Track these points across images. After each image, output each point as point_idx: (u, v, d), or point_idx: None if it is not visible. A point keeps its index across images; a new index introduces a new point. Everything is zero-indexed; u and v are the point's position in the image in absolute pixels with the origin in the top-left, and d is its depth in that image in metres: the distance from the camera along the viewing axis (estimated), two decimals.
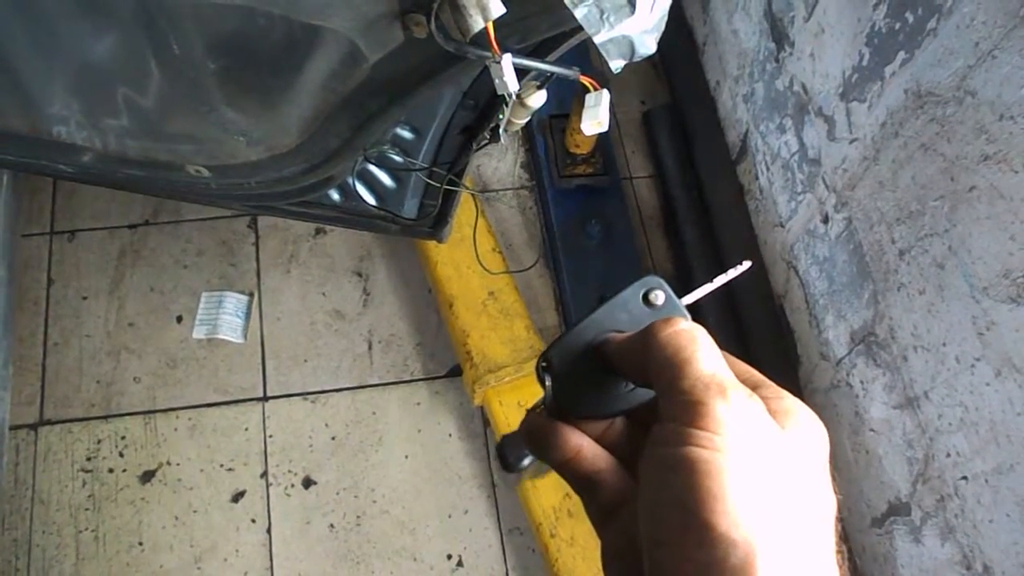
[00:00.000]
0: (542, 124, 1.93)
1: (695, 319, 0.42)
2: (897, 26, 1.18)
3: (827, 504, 0.37)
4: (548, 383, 0.44)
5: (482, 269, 1.67)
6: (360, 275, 1.90)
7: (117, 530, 1.62)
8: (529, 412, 0.45)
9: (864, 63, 1.27)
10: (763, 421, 0.36)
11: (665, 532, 0.34)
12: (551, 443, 0.43)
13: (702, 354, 0.37)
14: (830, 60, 1.37)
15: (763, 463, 0.34)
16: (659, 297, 0.44)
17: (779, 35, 1.55)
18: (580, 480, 0.43)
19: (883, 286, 1.30)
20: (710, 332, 0.39)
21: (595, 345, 0.43)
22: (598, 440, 0.43)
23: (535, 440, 0.45)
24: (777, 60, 1.56)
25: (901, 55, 1.18)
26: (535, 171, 1.98)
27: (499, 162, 2.04)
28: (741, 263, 0.46)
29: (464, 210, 1.70)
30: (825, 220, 1.45)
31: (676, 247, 1.93)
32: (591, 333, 0.44)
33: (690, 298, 0.45)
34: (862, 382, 1.39)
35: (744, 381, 0.39)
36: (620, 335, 0.43)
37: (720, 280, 0.45)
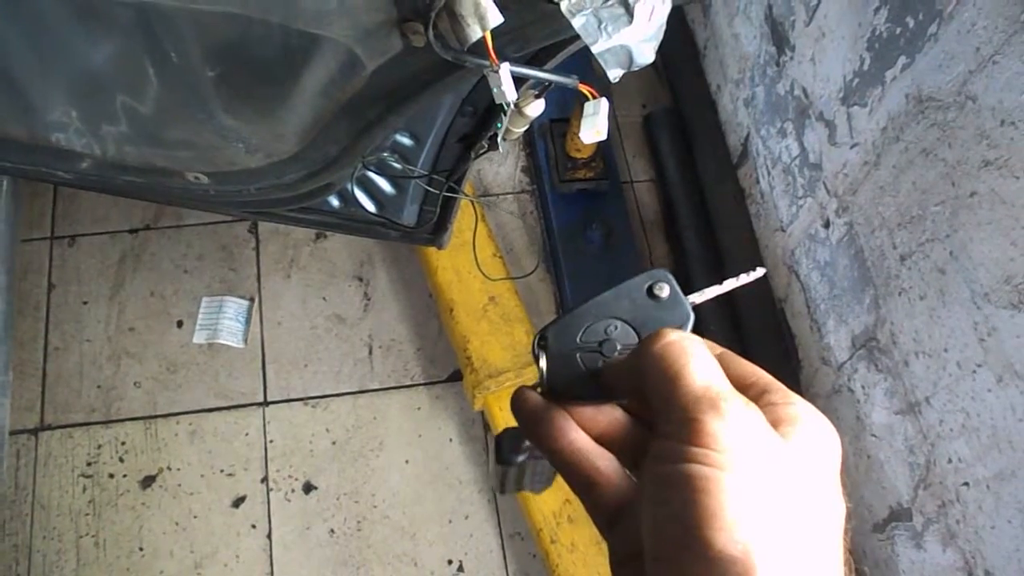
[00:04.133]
0: (543, 128, 1.92)
1: (695, 323, 0.42)
2: (898, 31, 1.18)
3: (834, 514, 0.36)
4: (543, 363, 0.43)
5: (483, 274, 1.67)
6: (361, 280, 1.89)
7: (117, 535, 1.62)
8: (520, 388, 0.44)
9: (865, 68, 1.27)
10: (761, 432, 0.35)
11: (665, 549, 0.34)
12: (546, 423, 0.42)
13: (694, 366, 0.36)
14: (831, 64, 1.37)
15: (762, 476, 0.34)
16: (664, 291, 0.43)
17: (780, 39, 1.54)
18: (578, 478, 0.42)
19: (884, 291, 1.29)
20: (711, 336, 0.38)
21: (592, 367, 0.42)
22: (598, 440, 0.42)
23: (528, 418, 0.43)
24: (778, 64, 1.56)
25: (902, 60, 1.18)
26: (536, 175, 1.98)
27: (500, 166, 2.03)
28: (755, 268, 0.45)
29: (464, 215, 1.70)
30: (826, 225, 1.44)
31: (677, 251, 1.92)
32: (591, 317, 0.43)
33: (697, 298, 0.44)
34: (863, 387, 1.39)
35: (751, 385, 0.39)
36: (613, 360, 0.42)
37: (730, 284, 0.45)
